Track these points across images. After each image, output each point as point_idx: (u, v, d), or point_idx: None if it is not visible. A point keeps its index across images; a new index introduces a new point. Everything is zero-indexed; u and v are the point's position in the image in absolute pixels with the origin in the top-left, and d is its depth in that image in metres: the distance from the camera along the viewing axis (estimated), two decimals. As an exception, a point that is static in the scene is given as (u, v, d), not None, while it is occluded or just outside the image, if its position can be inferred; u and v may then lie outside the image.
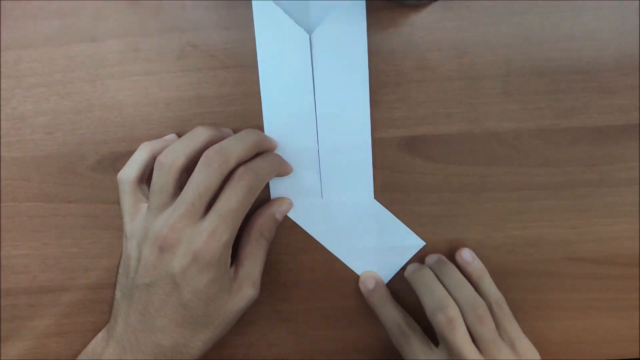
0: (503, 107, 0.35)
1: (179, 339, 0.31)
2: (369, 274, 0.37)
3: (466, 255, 0.36)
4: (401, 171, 0.36)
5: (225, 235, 0.30)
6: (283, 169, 0.35)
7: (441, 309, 0.33)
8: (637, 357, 0.38)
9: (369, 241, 0.37)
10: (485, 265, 0.36)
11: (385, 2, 0.34)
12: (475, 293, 0.34)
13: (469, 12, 0.34)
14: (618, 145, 0.35)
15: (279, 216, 0.36)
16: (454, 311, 0.33)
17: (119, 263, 0.34)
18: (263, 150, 0.34)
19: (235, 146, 0.31)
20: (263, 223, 0.35)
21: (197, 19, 0.34)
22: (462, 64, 0.34)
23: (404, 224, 0.37)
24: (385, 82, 0.35)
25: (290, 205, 0.36)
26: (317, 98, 0.34)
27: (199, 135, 0.32)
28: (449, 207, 0.36)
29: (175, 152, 0.31)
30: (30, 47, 0.34)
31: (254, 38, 0.34)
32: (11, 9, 0.34)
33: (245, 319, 0.36)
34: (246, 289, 0.33)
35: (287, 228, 0.37)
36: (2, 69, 0.35)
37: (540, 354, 0.35)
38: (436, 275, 0.35)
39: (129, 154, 0.35)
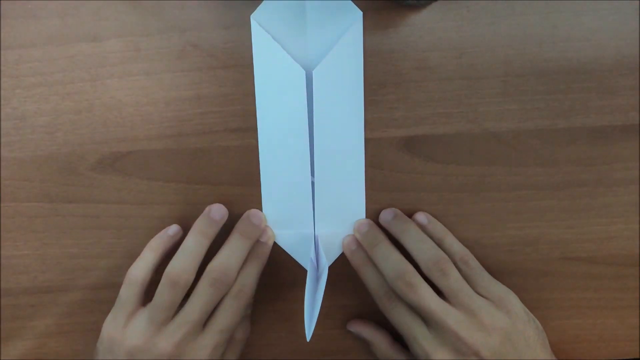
0: (502, 107, 0.35)
1: None
2: (349, 238, 0.36)
3: (421, 218, 0.36)
4: (400, 171, 0.36)
5: (222, 348, 0.33)
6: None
7: (399, 275, 0.32)
8: (635, 357, 0.38)
9: None
10: (483, 265, 0.36)
11: (384, 2, 0.34)
12: (437, 248, 0.34)
13: (469, 13, 0.34)
14: (616, 146, 0.35)
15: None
16: (411, 274, 0.32)
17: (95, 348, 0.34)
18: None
19: (236, 261, 0.33)
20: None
21: (197, 19, 0.34)
22: (461, 64, 0.34)
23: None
24: (384, 82, 0.35)
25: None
26: (315, 132, 0.34)
27: (200, 244, 0.33)
28: (447, 206, 0.36)
29: (185, 268, 0.32)
30: (30, 47, 0.34)
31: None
32: (12, 8, 0.34)
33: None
34: None
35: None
36: (2, 69, 0.34)
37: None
38: (394, 233, 0.35)
39: (129, 153, 0.35)
